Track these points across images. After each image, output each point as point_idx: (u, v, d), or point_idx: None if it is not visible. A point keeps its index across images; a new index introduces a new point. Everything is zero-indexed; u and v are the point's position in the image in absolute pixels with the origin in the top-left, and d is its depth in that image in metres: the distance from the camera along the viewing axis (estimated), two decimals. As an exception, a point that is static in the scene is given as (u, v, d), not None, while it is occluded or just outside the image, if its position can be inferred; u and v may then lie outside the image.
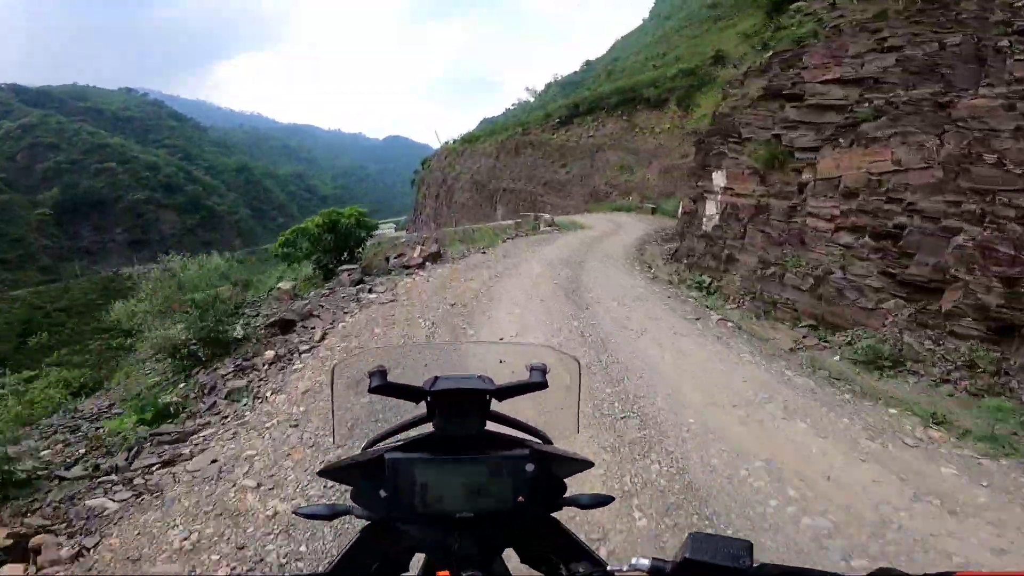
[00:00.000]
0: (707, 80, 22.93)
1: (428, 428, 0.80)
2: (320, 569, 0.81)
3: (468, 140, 40.89)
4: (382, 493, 0.74)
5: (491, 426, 0.80)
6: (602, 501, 0.79)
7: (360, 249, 14.56)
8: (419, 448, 0.76)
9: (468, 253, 12.33)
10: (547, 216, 18.27)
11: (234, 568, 2.79)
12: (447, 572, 0.68)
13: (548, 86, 71.93)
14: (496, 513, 0.74)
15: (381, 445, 0.81)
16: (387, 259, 12.50)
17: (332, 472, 0.80)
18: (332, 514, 0.77)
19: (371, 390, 0.77)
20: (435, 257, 11.48)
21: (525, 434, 0.83)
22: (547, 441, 0.84)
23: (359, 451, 0.83)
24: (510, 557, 0.80)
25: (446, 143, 45.15)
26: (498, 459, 0.75)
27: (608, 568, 0.71)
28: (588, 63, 70.30)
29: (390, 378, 0.78)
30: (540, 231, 15.51)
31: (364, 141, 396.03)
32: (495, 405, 0.81)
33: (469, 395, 0.77)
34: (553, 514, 0.80)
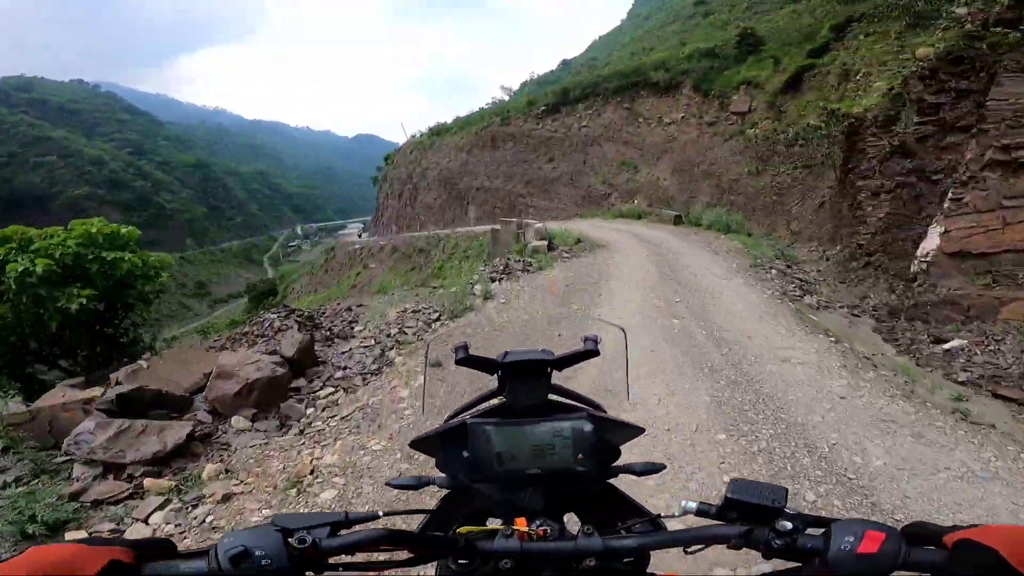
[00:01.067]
0: (737, 60, 18.61)
1: (499, 400, 0.91)
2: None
3: (437, 132, 35.75)
4: (465, 455, 0.84)
5: (554, 399, 0.90)
6: (654, 469, 0.88)
7: (131, 325, 8.28)
8: (493, 416, 0.87)
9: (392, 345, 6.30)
10: (536, 225, 13.50)
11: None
12: (523, 519, 0.74)
13: (524, 85, 68.28)
14: (560, 472, 0.84)
15: (461, 417, 0.90)
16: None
17: (420, 443, 0.89)
18: (419, 484, 0.88)
19: (457, 362, 0.86)
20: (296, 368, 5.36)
21: (582, 404, 0.92)
22: (600, 409, 0.91)
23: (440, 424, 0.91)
24: (572, 522, 0.85)
25: (413, 136, 39.95)
26: (559, 420, 0.84)
27: (661, 516, 0.80)
28: (565, 62, 67.55)
29: (471, 352, 0.87)
30: (533, 255, 10.57)
31: (333, 139, 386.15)
32: (556, 379, 0.91)
33: (533, 365, 0.87)
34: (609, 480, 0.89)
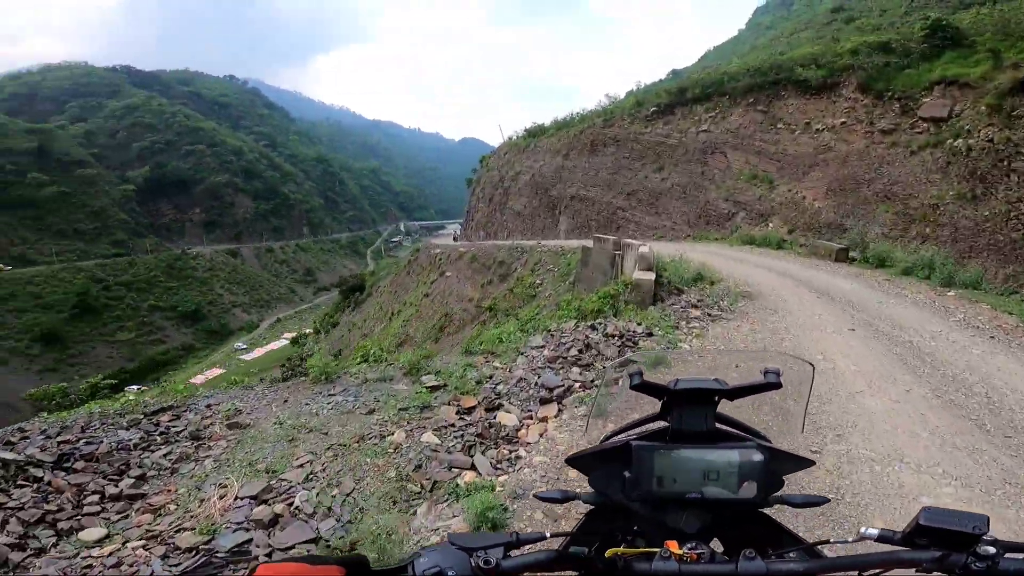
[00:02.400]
0: (926, 56, 14.11)
1: (659, 424, 0.92)
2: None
3: (533, 134, 33.25)
4: (626, 474, 0.86)
5: (720, 427, 0.91)
6: (815, 502, 0.87)
7: None
8: (655, 439, 0.89)
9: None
10: (640, 248, 10.25)
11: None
12: (675, 542, 0.75)
13: (629, 94, 64.47)
14: (721, 498, 0.84)
15: (620, 437, 0.94)
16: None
17: (576, 460, 0.94)
18: (564, 498, 0.92)
19: (632, 387, 0.89)
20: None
21: (748, 434, 0.91)
22: (767, 440, 0.91)
23: (596, 444, 0.96)
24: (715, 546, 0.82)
25: (509, 138, 37.87)
26: (728, 448, 0.85)
27: (831, 540, 0.81)
28: (675, 71, 63.29)
29: (644, 378, 0.90)
30: (633, 295, 7.29)
31: (441, 142, 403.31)
32: (723, 407, 0.92)
33: (703, 394, 0.88)
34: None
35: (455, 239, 40.27)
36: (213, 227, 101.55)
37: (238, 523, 3.67)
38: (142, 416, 6.19)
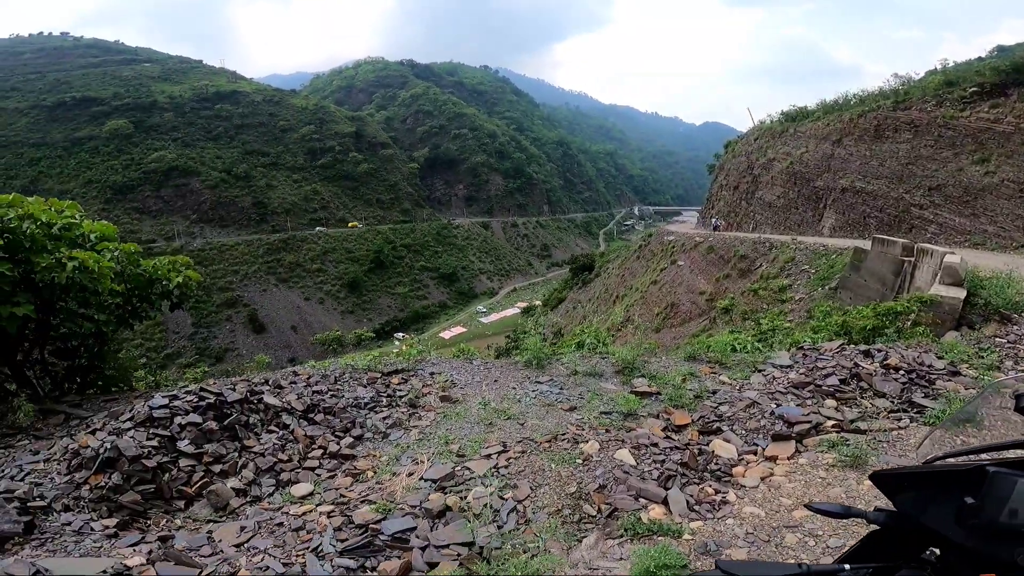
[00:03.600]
0: None
1: (1016, 453, 0.85)
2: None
3: (793, 118, 28.95)
4: (969, 500, 0.78)
5: None
6: None
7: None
8: (1019, 468, 0.80)
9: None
10: (947, 257, 8.34)
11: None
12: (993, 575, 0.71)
13: (932, 73, 50.12)
14: None
15: (963, 460, 0.87)
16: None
17: (889, 477, 0.88)
18: (846, 514, 0.86)
19: (1016, 408, 0.84)
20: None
21: None
22: None
23: (911, 464, 0.92)
24: None
25: (761, 122, 33.81)
26: None
27: None
28: (1002, 48, 46.54)
29: None
30: (927, 310, 6.04)
31: (680, 126, 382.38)
32: None
33: None
34: None
35: (692, 228, 38.13)
36: (472, 201, 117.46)
37: (412, 506, 3.63)
38: (379, 375, 6.29)
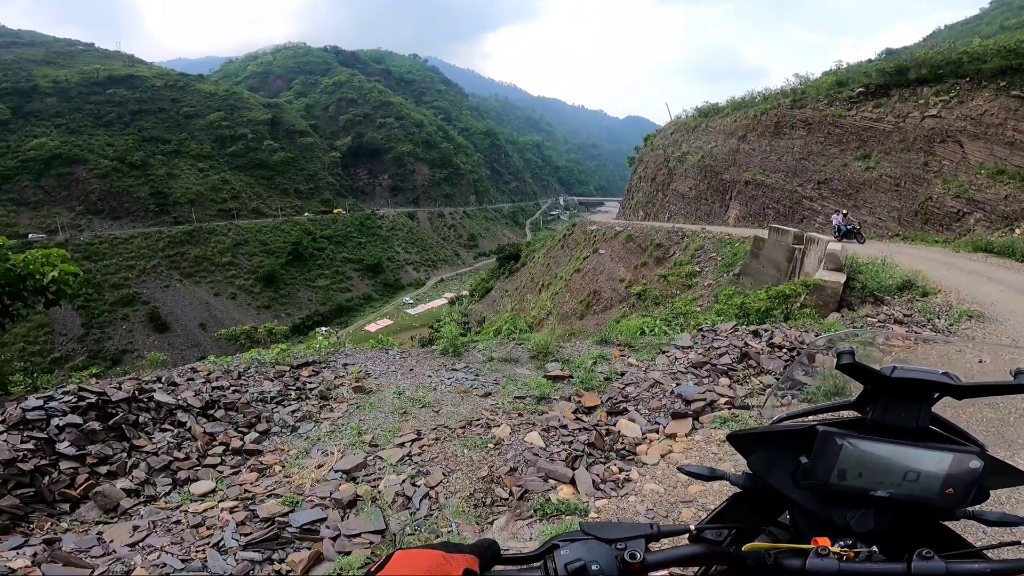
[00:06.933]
0: None
1: (854, 414, 0.85)
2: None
3: (706, 113, 30.93)
4: (803, 460, 0.78)
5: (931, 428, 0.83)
6: (1011, 522, 0.78)
7: None
8: (849, 428, 0.80)
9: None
10: (829, 244, 9.21)
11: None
12: (826, 539, 0.71)
13: (827, 74, 55.87)
14: (911, 501, 0.76)
15: (800, 420, 0.89)
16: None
17: (740, 438, 0.89)
18: (711, 476, 0.85)
19: (839, 366, 0.81)
20: None
21: (962, 439, 0.82)
22: (983, 448, 0.82)
23: (762, 425, 0.95)
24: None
25: (677, 117, 35.76)
26: (941, 450, 0.76)
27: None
28: (890, 51, 52.88)
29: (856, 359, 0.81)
30: (814, 293, 6.67)
31: (604, 119, 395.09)
32: (939, 408, 0.82)
33: (924, 386, 0.78)
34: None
35: (615, 218, 39.69)
36: (396, 191, 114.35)
37: (322, 498, 3.55)
38: (287, 368, 6.14)
